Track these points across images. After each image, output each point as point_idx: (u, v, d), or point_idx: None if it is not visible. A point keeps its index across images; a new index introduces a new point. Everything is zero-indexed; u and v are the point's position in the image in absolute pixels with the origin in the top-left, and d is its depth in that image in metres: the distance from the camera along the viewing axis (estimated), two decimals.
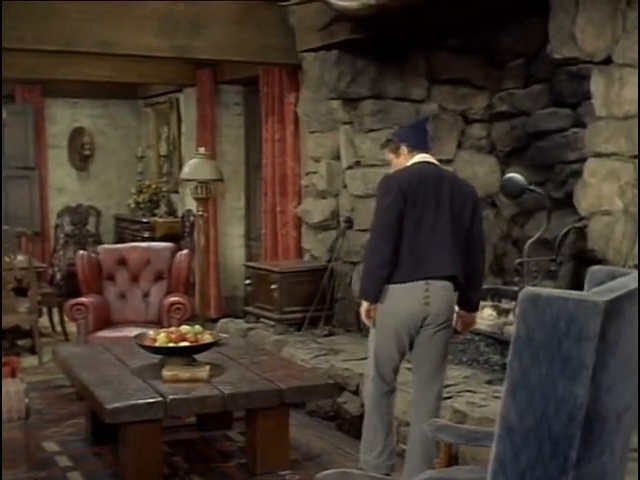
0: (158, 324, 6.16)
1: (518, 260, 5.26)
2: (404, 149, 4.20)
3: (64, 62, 8.11)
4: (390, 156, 4.28)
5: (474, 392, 4.70)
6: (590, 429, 2.01)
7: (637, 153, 3.97)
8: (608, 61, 4.07)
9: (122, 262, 6.68)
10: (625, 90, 4.00)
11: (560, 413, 2.00)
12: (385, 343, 4.11)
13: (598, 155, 4.23)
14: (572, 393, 1.98)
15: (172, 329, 4.91)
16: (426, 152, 4.24)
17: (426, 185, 4.06)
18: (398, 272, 3.99)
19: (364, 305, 4.09)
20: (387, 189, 4.05)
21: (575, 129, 5.44)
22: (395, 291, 4.00)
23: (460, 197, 4.10)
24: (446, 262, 4.04)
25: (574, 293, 2.02)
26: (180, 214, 9.58)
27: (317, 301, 6.37)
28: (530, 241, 5.21)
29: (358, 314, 4.38)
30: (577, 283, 5.05)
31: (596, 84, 4.18)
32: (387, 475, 4.19)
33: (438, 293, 4.03)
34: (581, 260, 5.15)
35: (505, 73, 6.14)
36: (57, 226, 9.88)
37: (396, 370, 4.18)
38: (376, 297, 4.02)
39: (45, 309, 8.01)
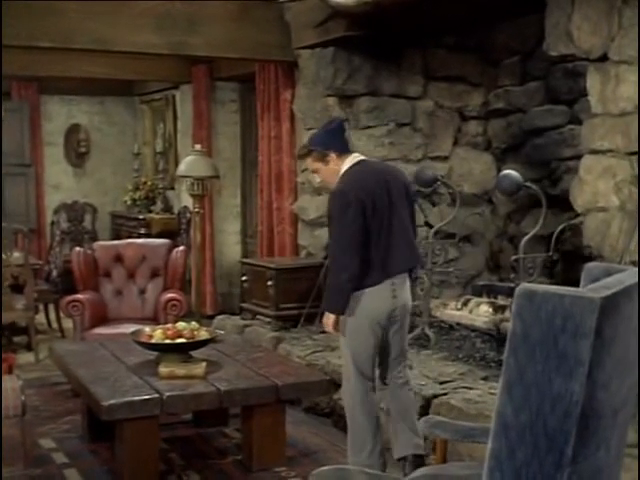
0: (154, 321, 6.17)
1: (514, 257, 5.27)
2: (332, 155, 4.15)
3: (60, 59, 8.10)
4: (316, 165, 4.21)
5: (470, 388, 4.70)
6: (586, 425, 2.02)
7: (633, 150, 3.97)
8: (604, 58, 4.08)
9: (118, 259, 6.68)
10: (621, 87, 4.01)
11: (556, 409, 2.01)
12: (363, 344, 4.14)
13: (594, 152, 4.24)
14: (568, 389, 1.99)
15: (168, 326, 4.91)
16: (352, 152, 4.25)
17: (378, 185, 4.08)
18: (368, 277, 4.04)
19: (331, 318, 4.11)
20: (345, 204, 3.99)
21: (571, 126, 5.46)
22: (367, 294, 4.05)
23: (397, 185, 4.18)
24: (408, 256, 4.17)
25: (570, 289, 2.02)
26: (176, 211, 9.58)
27: (313, 298, 6.37)
28: (526, 238, 5.22)
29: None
30: (573, 280, 5.07)
31: (592, 81, 4.19)
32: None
33: (402, 285, 4.17)
34: (577, 257, 5.16)
35: (501, 70, 6.15)
36: (53, 223, 9.88)
37: (374, 365, 4.24)
38: (344, 309, 4.07)
39: (41, 306, 8.01)
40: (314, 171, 4.26)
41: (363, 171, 4.14)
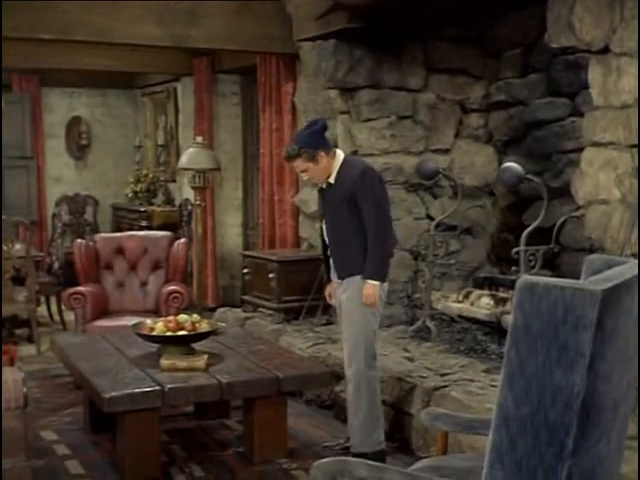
0: (156, 313, 6.18)
1: (515, 249, 5.27)
2: (322, 154, 4.40)
3: (61, 51, 8.10)
4: (305, 165, 4.42)
5: (471, 381, 4.71)
6: (587, 417, 2.02)
7: (634, 143, 3.97)
8: (606, 50, 4.07)
9: (120, 251, 6.68)
10: (623, 79, 4.00)
11: (557, 402, 2.01)
12: (374, 321, 4.44)
13: (595, 144, 4.23)
14: (569, 382, 1.99)
15: (170, 318, 4.91)
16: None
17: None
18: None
19: (377, 287, 4.36)
20: (378, 179, 4.46)
21: (572, 118, 5.45)
22: None
23: None
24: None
25: (571, 282, 2.02)
26: (177, 203, 9.58)
27: (315, 290, 6.37)
28: (527, 230, 5.22)
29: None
30: (574, 272, 5.06)
31: (593, 73, 4.18)
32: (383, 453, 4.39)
33: None
34: (578, 249, 5.16)
35: (502, 63, 6.14)
36: (55, 215, 9.88)
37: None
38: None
39: (43, 298, 8.02)
40: (303, 171, 4.47)
41: (359, 160, 4.64)
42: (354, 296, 4.38)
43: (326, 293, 4.76)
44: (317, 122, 4.55)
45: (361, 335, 4.39)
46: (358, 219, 4.36)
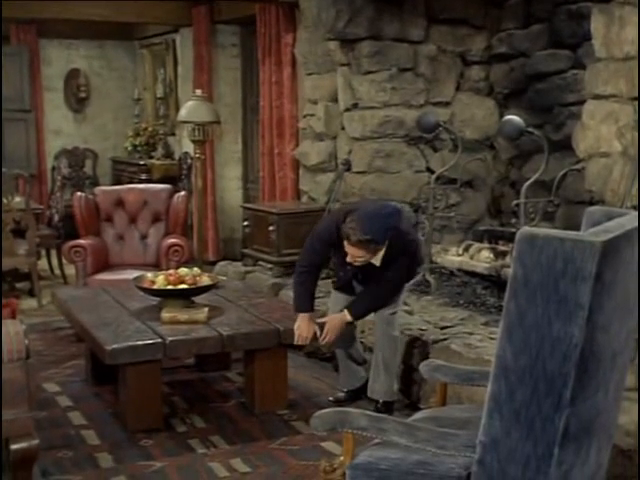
0: (156, 266, 6.18)
1: (515, 202, 5.27)
2: (382, 248, 4.27)
3: (59, 1, 8.01)
4: (364, 252, 4.20)
5: (470, 334, 4.73)
6: (585, 368, 2.04)
7: (636, 95, 3.94)
8: None
9: (119, 203, 6.67)
10: (625, 29, 3.95)
11: (555, 353, 2.03)
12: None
13: (597, 97, 4.20)
14: (567, 333, 2.00)
15: (170, 271, 4.92)
16: None
17: None
18: None
19: (345, 321, 4.50)
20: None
21: (574, 71, 5.40)
22: None
23: None
24: None
25: (571, 233, 2.03)
26: (177, 157, 9.54)
27: None
28: (528, 183, 5.20)
29: None
30: (574, 225, 5.06)
31: (596, 23, 4.14)
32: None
33: None
34: (578, 202, 5.16)
35: (504, 12, 6.07)
36: (54, 168, 9.85)
37: None
38: None
39: (43, 251, 8.02)
40: (357, 255, 4.22)
41: None
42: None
43: (297, 331, 4.46)
44: (393, 216, 4.29)
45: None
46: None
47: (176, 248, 6.28)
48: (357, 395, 4.73)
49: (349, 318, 4.46)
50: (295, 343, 4.51)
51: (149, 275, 4.95)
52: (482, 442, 2.22)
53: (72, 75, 10.61)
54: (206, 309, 4.59)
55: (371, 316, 4.58)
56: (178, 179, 9.09)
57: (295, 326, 4.45)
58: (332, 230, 4.34)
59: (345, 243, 4.19)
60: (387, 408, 4.49)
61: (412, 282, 4.91)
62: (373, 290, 4.47)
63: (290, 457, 4.01)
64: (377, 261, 4.32)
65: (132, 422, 4.32)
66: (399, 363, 4.65)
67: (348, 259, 4.23)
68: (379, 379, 4.54)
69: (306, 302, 4.48)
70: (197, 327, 4.43)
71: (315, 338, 4.47)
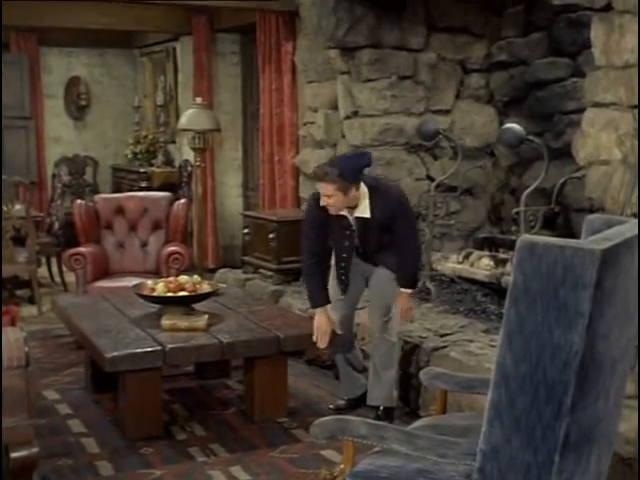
0: (156, 274, 6.18)
1: (516, 209, 5.27)
2: (353, 189, 4.31)
3: (59, 9, 8.02)
4: (334, 192, 4.27)
5: (471, 341, 4.73)
6: (585, 376, 2.03)
7: (636, 103, 3.94)
8: (608, 8, 4.02)
9: (120, 211, 6.68)
10: (625, 38, 3.95)
11: (555, 360, 2.02)
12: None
13: (597, 105, 4.20)
14: (568, 340, 2.00)
15: (170, 279, 4.92)
16: None
17: None
18: None
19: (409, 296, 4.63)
20: (408, 201, 4.62)
21: (574, 79, 5.41)
22: None
23: None
24: None
25: (571, 241, 2.03)
26: (177, 164, 9.55)
27: None
28: (528, 190, 5.21)
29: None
30: (574, 233, 5.07)
31: (596, 31, 4.14)
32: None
33: None
34: (578, 210, 5.16)
35: (504, 20, 6.08)
36: (54, 176, 9.85)
37: None
38: None
39: (44, 259, 8.02)
40: (328, 195, 4.29)
41: None
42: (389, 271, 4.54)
43: (316, 330, 4.49)
44: (364, 156, 4.45)
45: (395, 303, 4.56)
46: (390, 234, 4.47)
47: (176, 255, 6.28)
48: (358, 403, 4.72)
49: (409, 291, 4.58)
50: (315, 341, 4.49)
51: (149, 282, 4.95)
52: (482, 450, 2.21)
53: (72, 83, 10.63)
54: (206, 316, 4.59)
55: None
56: (178, 187, 9.10)
57: (314, 325, 4.48)
58: (313, 207, 4.47)
59: (317, 186, 4.36)
60: (387, 415, 4.49)
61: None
62: (398, 254, 4.50)
63: (290, 465, 4.01)
64: (363, 212, 4.39)
65: (132, 430, 4.32)
66: (397, 369, 4.64)
67: (321, 202, 4.30)
68: (377, 385, 4.54)
69: (320, 296, 4.53)
70: (197, 334, 4.43)
71: (334, 333, 4.51)
